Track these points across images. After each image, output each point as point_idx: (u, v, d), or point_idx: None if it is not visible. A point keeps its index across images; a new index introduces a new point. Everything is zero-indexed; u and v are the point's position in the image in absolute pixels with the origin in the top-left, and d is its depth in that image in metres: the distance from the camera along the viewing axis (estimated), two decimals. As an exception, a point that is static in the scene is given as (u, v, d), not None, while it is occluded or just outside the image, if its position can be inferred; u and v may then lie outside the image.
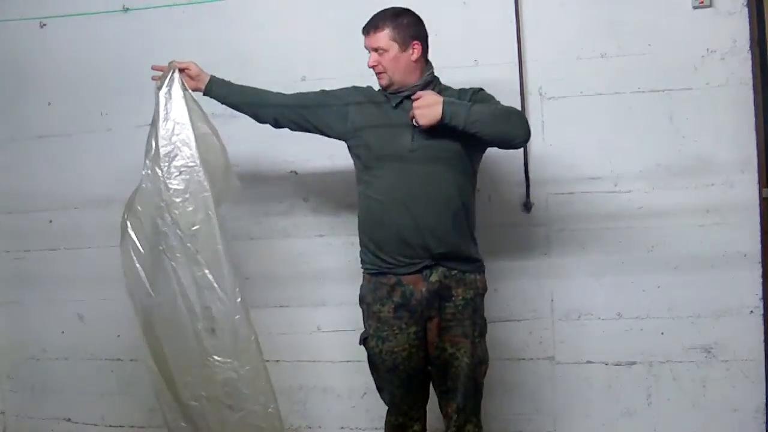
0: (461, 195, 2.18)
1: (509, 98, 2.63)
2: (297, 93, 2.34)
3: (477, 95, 2.20)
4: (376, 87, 2.29)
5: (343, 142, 2.30)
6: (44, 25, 3.09)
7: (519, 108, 2.66)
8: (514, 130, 2.09)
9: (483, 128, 2.06)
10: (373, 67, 2.19)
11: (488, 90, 2.24)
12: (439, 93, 2.17)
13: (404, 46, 2.16)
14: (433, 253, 2.15)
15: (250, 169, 2.85)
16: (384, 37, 2.15)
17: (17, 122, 3.18)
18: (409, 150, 2.15)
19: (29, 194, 3.17)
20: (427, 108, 2.06)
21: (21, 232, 3.20)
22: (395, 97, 2.21)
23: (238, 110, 2.35)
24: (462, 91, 2.22)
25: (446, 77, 2.29)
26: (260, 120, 2.36)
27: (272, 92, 2.33)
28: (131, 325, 2.30)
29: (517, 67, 2.69)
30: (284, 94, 2.33)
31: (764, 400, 2.59)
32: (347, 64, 2.67)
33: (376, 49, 2.17)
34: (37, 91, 3.14)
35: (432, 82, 2.23)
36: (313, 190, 2.90)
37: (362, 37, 2.21)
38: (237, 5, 2.89)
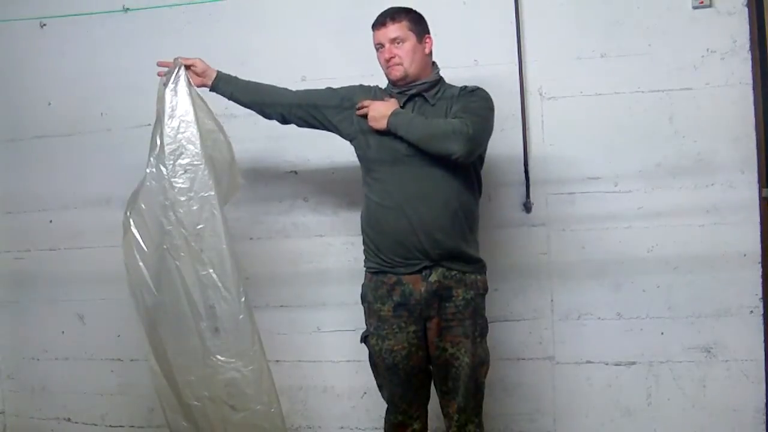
0: (460, 197, 2.18)
1: (509, 98, 2.66)
2: (305, 90, 2.34)
3: (466, 96, 2.20)
4: (382, 86, 2.29)
5: (347, 142, 2.30)
6: (44, 25, 3.09)
7: (520, 112, 2.69)
8: (448, 147, 2.07)
9: (421, 143, 2.10)
10: (389, 59, 2.18)
11: (488, 90, 2.23)
12: (444, 92, 2.21)
13: (419, 38, 2.19)
14: (431, 255, 2.15)
15: (250, 169, 2.84)
16: (403, 27, 2.17)
17: (17, 122, 3.18)
18: (405, 154, 2.15)
19: (29, 194, 3.17)
20: (378, 115, 2.14)
21: (21, 232, 3.20)
22: (402, 96, 2.21)
23: (244, 106, 2.34)
24: (461, 89, 2.23)
25: (446, 77, 2.29)
26: (267, 117, 2.35)
27: (280, 88, 2.33)
28: (131, 325, 2.31)
29: (517, 67, 2.69)
30: (292, 91, 2.32)
31: (764, 400, 2.60)
32: (347, 64, 2.68)
33: (393, 40, 2.16)
34: (37, 91, 3.13)
35: (440, 81, 2.25)
36: (313, 190, 2.90)
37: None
38: (237, 5, 2.89)
